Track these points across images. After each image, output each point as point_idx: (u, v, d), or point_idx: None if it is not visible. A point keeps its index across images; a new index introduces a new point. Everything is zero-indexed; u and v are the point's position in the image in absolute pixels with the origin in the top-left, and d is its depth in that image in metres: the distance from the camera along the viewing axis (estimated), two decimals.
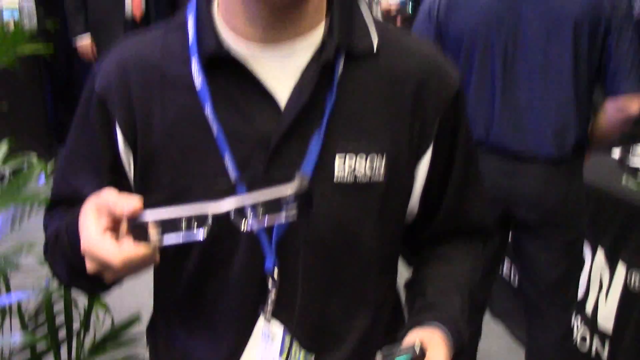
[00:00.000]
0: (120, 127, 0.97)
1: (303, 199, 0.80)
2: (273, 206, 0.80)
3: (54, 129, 5.71)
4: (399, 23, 3.67)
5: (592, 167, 2.39)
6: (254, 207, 0.80)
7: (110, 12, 4.90)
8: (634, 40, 2.03)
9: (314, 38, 0.94)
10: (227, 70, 0.93)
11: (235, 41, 0.94)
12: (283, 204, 0.80)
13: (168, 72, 0.96)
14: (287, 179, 0.82)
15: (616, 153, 2.88)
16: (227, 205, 0.80)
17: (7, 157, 1.86)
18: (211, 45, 0.93)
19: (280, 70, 0.93)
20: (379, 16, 3.17)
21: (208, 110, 0.93)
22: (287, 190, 0.80)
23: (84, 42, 4.92)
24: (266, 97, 0.93)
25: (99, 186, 0.91)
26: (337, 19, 0.95)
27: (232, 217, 0.80)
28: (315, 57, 0.93)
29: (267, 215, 0.80)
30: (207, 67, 0.93)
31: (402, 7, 3.75)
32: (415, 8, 4.36)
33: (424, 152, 1.00)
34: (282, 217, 0.80)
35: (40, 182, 1.76)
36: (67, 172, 1.05)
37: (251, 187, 0.89)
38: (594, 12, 1.98)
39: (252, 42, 0.93)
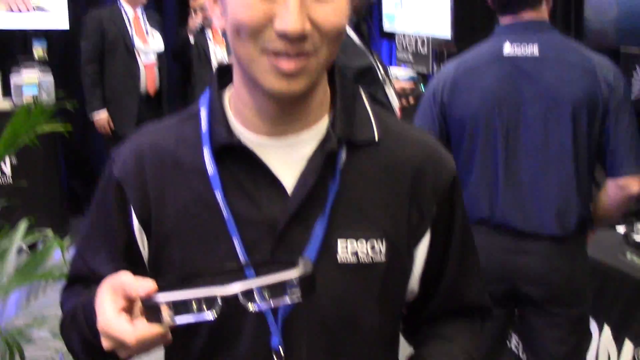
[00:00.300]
0: (136, 210, 1.03)
1: (307, 281, 0.85)
2: (279, 289, 0.85)
3: (68, 201, 5.77)
4: (412, 100, 3.78)
5: (597, 242, 2.41)
6: (261, 289, 0.85)
7: (125, 87, 5.02)
8: (632, 121, 2.08)
9: (318, 129, 1.01)
10: (237, 158, 1.00)
11: (245, 132, 1.01)
12: (288, 287, 0.84)
13: (181, 159, 1.03)
14: (292, 261, 0.87)
15: (621, 228, 2.90)
16: (235, 288, 0.84)
17: (25, 233, 1.92)
18: (223, 135, 0.99)
19: (287, 158, 1.00)
20: (394, 95, 3.25)
21: (219, 196, 0.99)
22: (292, 274, 0.84)
23: (101, 116, 5.02)
24: (274, 183, 0.99)
25: (114, 266, 0.98)
26: (340, 112, 1.02)
27: (241, 299, 0.85)
28: (320, 147, 1.00)
29: (273, 298, 0.85)
30: (219, 155, 1.00)
31: (416, 87, 3.88)
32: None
33: (422, 235, 1.06)
34: (288, 299, 0.85)
35: (57, 258, 1.81)
36: (85, 252, 1.11)
37: (259, 269, 0.95)
38: (592, 94, 2.04)
39: (261, 134, 1.00)
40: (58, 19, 5.47)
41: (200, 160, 1.01)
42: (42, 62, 5.43)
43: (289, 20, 0.87)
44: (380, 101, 3.04)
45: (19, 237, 1.80)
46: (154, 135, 1.08)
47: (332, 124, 1.01)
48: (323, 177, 0.99)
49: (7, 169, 5.04)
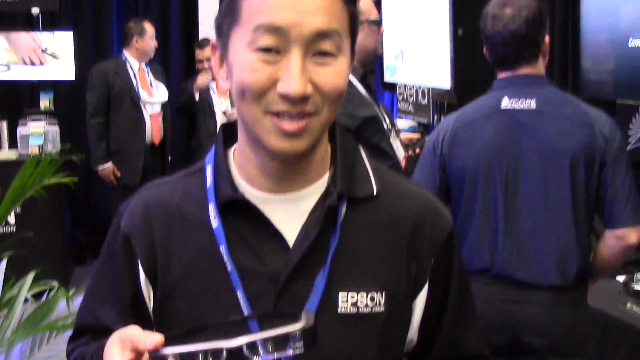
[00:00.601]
0: (142, 263, 1.07)
1: (309, 334, 0.87)
2: (282, 342, 0.87)
3: (72, 251, 5.77)
4: (418, 150, 3.83)
5: (597, 291, 2.42)
6: (264, 342, 0.87)
7: (131, 138, 5.08)
8: (628, 173, 2.11)
9: (319, 185, 1.06)
10: (241, 213, 1.03)
11: (249, 188, 1.05)
12: (291, 339, 0.87)
13: (187, 214, 1.07)
14: (294, 313, 0.89)
15: (621, 277, 2.90)
16: (240, 341, 0.87)
17: (31, 284, 1.94)
18: (227, 192, 1.03)
19: (289, 213, 1.04)
20: (399, 145, 3.28)
21: (223, 249, 1.02)
22: (295, 327, 0.87)
23: (106, 167, 5.06)
24: (276, 237, 1.03)
25: (120, 318, 1.02)
26: (340, 168, 1.06)
27: (245, 351, 0.87)
28: (320, 202, 1.04)
29: (276, 350, 0.88)
30: (223, 210, 1.04)
31: (422, 138, 3.93)
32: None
33: (421, 287, 1.09)
34: (290, 352, 0.88)
35: (61, 308, 1.83)
36: (92, 304, 1.14)
37: (262, 321, 0.99)
38: (589, 147, 2.08)
39: (264, 190, 1.04)
40: (65, 70, 5.56)
41: (205, 214, 1.05)
42: (48, 113, 5.50)
43: (292, 84, 0.92)
44: (383, 150, 3.07)
45: (26, 289, 1.82)
46: (161, 190, 1.12)
47: (332, 180, 1.05)
48: (324, 231, 1.02)
49: (12, 219, 5.04)
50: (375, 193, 1.08)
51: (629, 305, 2.67)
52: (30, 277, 1.92)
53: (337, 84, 0.97)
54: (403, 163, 3.24)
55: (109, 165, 5.07)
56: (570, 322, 2.16)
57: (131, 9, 6.18)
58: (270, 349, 0.87)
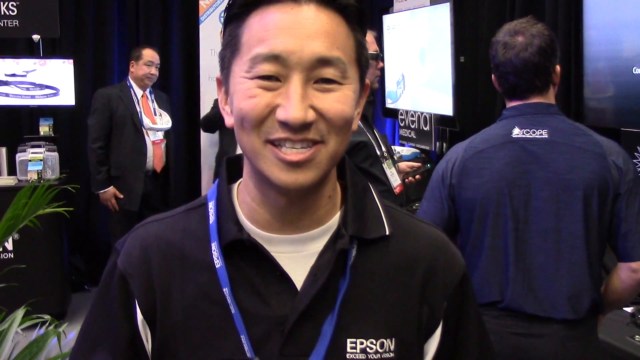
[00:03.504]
0: (140, 304, 1.00)
1: None
2: None
3: (70, 277, 5.72)
4: (418, 177, 3.80)
5: (605, 323, 2.37)
6: None
7: (132, 164, 5.05)
8: None
9: (329, 225, 1.00)
10: (245, 254, 0.97)
11: (254, 227, 0.99)
12: None
13: (188, 253, 1.01)
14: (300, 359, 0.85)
15: (628, 309, 2.86)
16: None
17: (23, 317, 1.88)
18: (232, 231, 0.97)
19: (297, 254, 0.98)
20: (395, 173, 3.26)
21: (226, 291, 0.96)
22: None
23: (107, 192, 5.03)
24: (283, 280, 0.97)
25: None
26: (351, 208, 1.01)
27: None
28: (330, 243, 0.98)
29: None
30: (226, 249, 0.98)
31: (422, 166, 3.91)
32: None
33: (433, 331, 1.03)
34: None
35: (54, 343, 1.77)
36: (85, 347, 1.07)
37: None
38: (603, 178, 2.03)
39: (270, 229, 0.98)
40: (65, 95, 5.54)
41: (208, 254, 0.99)
42: (48, 139, 5.47)
43: (291, 110, 0.87)
44: (374, 175, 3.05)
45: (15, 326, 1.76)
46: (160, 226, 1.06)
47: (343, 221, 0.99)
48: (333, 274, 0.97)
49: (10, 245, 5.00)
50: (387, 233, 1.02)
51: (637, 337, 2.62)
52: (20, 313, 1.87)
53: (341, 110, 0.91)
54: (397, 190, 3.23)
55: (109, 189, 5.04)
56: (581, 355, 2.10)
57: (132, 37, 6.20)
58: None
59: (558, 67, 2.17)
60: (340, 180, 1.04)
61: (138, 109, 5.08)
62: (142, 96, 5.17)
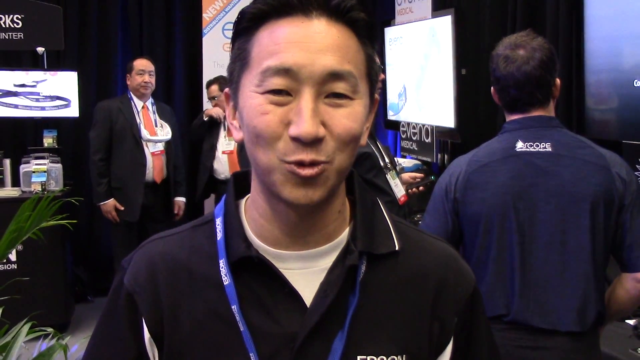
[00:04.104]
0: (147, 322, 0.98)
1: None
2: None
3: (73, 288, 5.70)
4: (422, 188, 3.80)
5: (607, 335, 2.35)
6: None
7: (132, 176, 5.05)
8: None
9: (338, 241, 0.98)
10: (254, 270, 0.95)
11: (263, 243, 0.97)
12: None
13: (196, 270, 0.99)
14: None
15: (630, 321, 2.84)
16: None
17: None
18: (240, 248, 0.95)
19: (306, 271, 0.96)
20: (399, 183, 3.26)
21: (235, 309, 0.94)
22: None
23: (107, 204, 5.03)
24: (292, 296, 0.94)
25: None
26: (360, 224, 0.99)
27: None
28: (339, 259, 0.96)
29: None
30: (234, 266, 0.95)
31: (426, 177, 3.91)
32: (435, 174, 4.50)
33: (444, 347, 1.01)
34: None
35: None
36: None
37: None
38: (608, 190, 2.02)
39: (279, 246, 0.96)
40: (69, 107, 5.54)
41: (216, 272, 0.97)
42: (51, 151, 5.47)
43: (303, 125, 0.85)
44: (378, 186, 3.06)
45: (20, 341, 1.74)
46: (167, 244, 1.03)
47: (352, 237, 0.97)
48: (342, 290, 0.95)
49: (13, 256, 4.97)
50: (397, 248, 1.00)
51: (639, 350, 2.59)
52: (26, 328, 1.85)
53: (350, 127, 0.89)
54: (402, 200, 3.23)
55: (110, 201, 5.04)
56: None
57: (136, 49, 6.21)
58: None
59: (558, 80, 2.15)
60: (349, 196, 1.02)
61: (138, 121, 5.07)
62: (142, 107, 5.16)
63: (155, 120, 5.20)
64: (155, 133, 5.16)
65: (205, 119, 5.29)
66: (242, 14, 0.92)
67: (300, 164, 0.87)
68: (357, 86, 0.90)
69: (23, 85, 5.44)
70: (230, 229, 0.99)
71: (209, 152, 5.23)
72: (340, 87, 0.88)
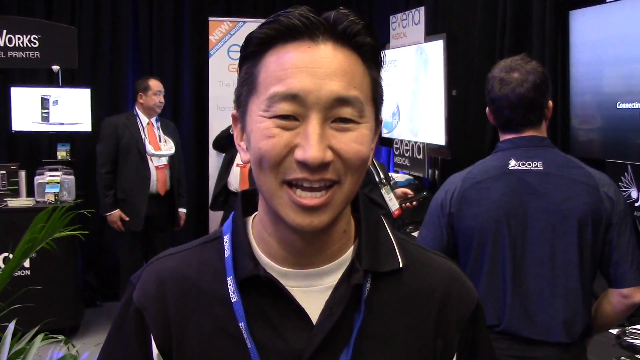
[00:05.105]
0: (156, 338, 0.94)
1: None
2: None
3: (83, 293, 5.65)
4: (415, 203, 3.78)
5: (593, 344, 2.31)
6: None
7: (136, 188, 5.02)
8: (632, 233, 2.03)
9: (343, 260, 0.94)
10: (261, 288, 0.92)
11: (270, 261, 0.93)
12: None
13: (204, 287, 0.95)
14: None
15: (613, 330, 2.80)
16: None
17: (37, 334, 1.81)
18: (248, 266, 0.92)
19: (312, 289, 0.93)
20: (393, 198, 3.24)
21: (243, 326, 0.90)
22: None
23: (113, 214, 5.01)
24: (298, 314, 0.91)
25: None
26: (364, 244, 0.95)
27: None
28: (345, 277, 0.93)
29: None
30: (242, 284, 0.92)
31: (418, 193, 3.89)
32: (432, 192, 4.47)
33: None
34: None
35: None
36: None
37: None
38: (596, 209, 2.00)
39: (285, 264, 0.93)
40: (82, 122, 5.51)
41: (224, 289, 0.93)
42: (65, 163, 5.43)
43: (310, 150, 0.81)
44: (374, 200, 3.05)
45: (34, 349, 1.69)
46: (175, 261, 1.00)
47: (357, 256, 0.94)
48: (348, 307, 0.92)
49: (26, 263, 4.92)
50: (400, 265, 0.96)
51: (623, 359, 2.55)
52: (40, 337, 1.80)
53: (358, 150, 0.85)
54: (396, 214, 3.22)
55: (115, 212, 5.02)
56: None
57: (146, 68, 6.18)
58: None
59: (550, 103, 2.13)
60: (354, 214, 0.99)
61: (143, 136, 5.05)
62: (147, 124, 5.14)
63: (160, 136, 5.17)
64: (160, 148, 5.12)
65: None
66: (250, 38, 0.89)
67: (305, 182, 0.83)
68: (363, 110, 0.86)
69: (43, 101, 5.40)
70: (238, 246, 0.95)
71: (227, 164, 5.14)
72: (347, 112, 0.85)
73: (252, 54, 0.88)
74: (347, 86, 0.84)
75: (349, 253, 0.95)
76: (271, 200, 0.87)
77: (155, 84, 5.14)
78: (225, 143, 5.15)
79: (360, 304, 0.92)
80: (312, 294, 0.92)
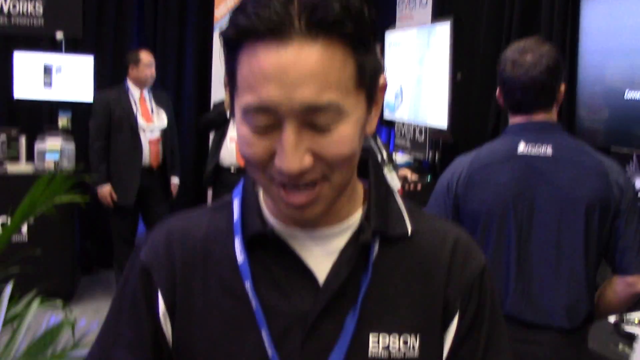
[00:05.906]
0: (163, 297, 0.92)
1: None
2: None
3: (80, 261, 5.63)
4: (419, 187, 3.74)
5: (591, 332, 2.28)
6: None
7: (128, 162, 4.91)
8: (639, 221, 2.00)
9: (351, 222, 0.93)
10: (268, 248, 0.90)
11: (278, 223, 0.92)
12: None
13: (211, 248, 0.93)
14: (322, 355, 0.81)
15: (611, 318, 2.77)
16: None
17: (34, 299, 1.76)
18: (255, 225, 0.91)
19: (319, 250, 0.91)
20: (395, 177, 3.19)
21: (248, 285, 0.89)
22: None
23: (104, 189, 4.88)
24: (305, 275, 0.90)
25: (137, 357, 0.91)
26: (374, 205, 0.93)
27: None
28: (353, 239, 0.91)
29: None
30: (250, 244, 0.91)
31: (422, 177, 3.85)
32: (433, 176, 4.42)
33: (450, 321, 0.95)
34: None
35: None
36: (106, 342, 0.97)
37: None
38: (605, 196, 1.95)
39: (293, 225, 0.91)
40: (83, 92, 5.43)
41: (231, 249, 0.91)
42: (65, 131, 5.36)
43: (284, 161, 0.78)
44: None
45: (30, 314, 1.63)
46: (185, 223, 0.97)
47: (366, 217, 0.93)
48: (355, 269, 0.90)
49: (24, 229, 4.90)
50: (409, 233, 0.94)
51: (620, 346, 2.52)
52: (37, 301, 1.74)
53: (340, 151, 0.80)
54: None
55: (106, 187, 4.89)
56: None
57: (150, 40, 6.10)
58: None
59: (563, 86, 2.07)
60: (363, 178, 0.96)
61: (135, 110, 4.93)
62: (139, 97, 5.02)
63: (152, 108, 5.05)
64: (152, 120, 5.01)
65: (228, 109, 5.02)
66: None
67: (291, 185, 0.81)
68: (341, 111, 0.79)
69: (46, 69, 5.33)
70: (247, 208, 0.94)
71: (217, 143, 5.03)
72: (320, 119, 0.78)
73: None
74: (319, 91, 0.76)
75: (357, 216, 0.94)
76: (265, 192, 0.87)
77: (146, 57, 5.01)
78: (211, 124, 5.01)
79: (367, 266, 0.90)
80: (320, 256, 0.91)
